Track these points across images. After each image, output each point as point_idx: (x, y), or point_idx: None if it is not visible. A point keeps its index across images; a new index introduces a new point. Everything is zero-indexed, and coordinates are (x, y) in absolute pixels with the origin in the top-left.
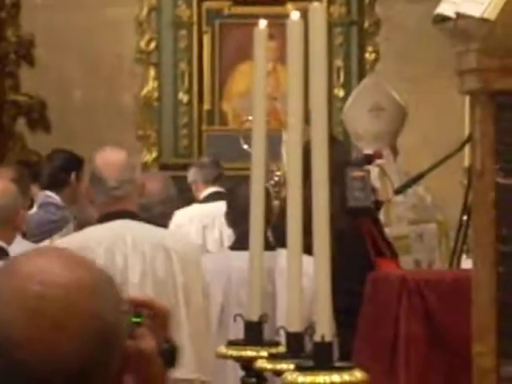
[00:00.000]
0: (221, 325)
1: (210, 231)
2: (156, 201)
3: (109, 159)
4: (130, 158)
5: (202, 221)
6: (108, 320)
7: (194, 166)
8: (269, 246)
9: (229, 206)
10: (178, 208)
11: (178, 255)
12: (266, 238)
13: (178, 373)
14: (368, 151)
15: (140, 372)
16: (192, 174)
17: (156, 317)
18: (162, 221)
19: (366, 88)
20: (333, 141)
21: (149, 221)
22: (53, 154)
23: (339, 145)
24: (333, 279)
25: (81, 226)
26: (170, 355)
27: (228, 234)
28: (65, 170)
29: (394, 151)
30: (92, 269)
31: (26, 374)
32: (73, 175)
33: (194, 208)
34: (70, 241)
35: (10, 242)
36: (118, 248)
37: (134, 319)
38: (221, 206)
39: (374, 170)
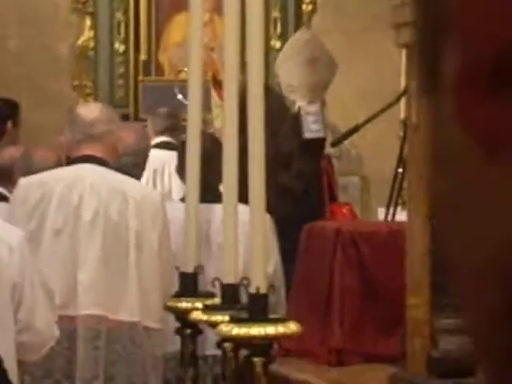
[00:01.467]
0: None
1: (159, 176)
2: (129, 151)
3: (88, 107)
4: (109, 111)
5: (152, 165)
6: None
7: (148, 115)
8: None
9: (181, 159)
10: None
11: (135, 201)
12: (219, 191)
13: (120, 315)
14: (302, 103)
15: None
16: (147, 123)
17: None
18: (134, 171)
19: (300, 41)
20: (267, 89)
21: (119, 169)
22: None
23: (274, 92)
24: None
25: (24, 174)
26: None
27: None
28: (0, 118)
29: (323, 104)
30: None
31: None
32: (9, 123)
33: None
34: (33, 176)
35: None
36: (76, 187)
37: None
38: (170, 155)
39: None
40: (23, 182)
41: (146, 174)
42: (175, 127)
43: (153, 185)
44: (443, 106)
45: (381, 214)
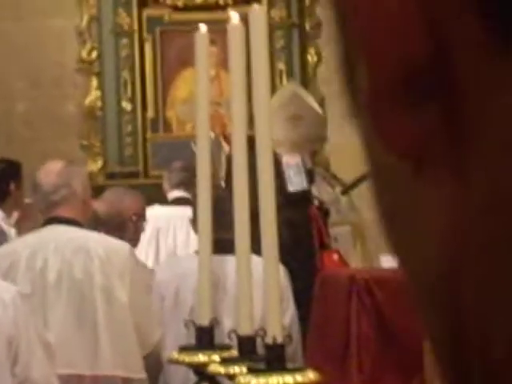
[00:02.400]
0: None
1: (163, 234)
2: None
3: (46, 168)
4: (70, 166)
5: (155, 224)
6: None
7: (165, 170)
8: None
9: (195, 211)
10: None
11: (99, 257)
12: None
13: (96, 371)
14: (286, 157)
15: None
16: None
17: None
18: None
19: (283, 97)
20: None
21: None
22: None
23: None
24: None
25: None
26: None
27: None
28: (2, 180)
29: (314, 154)
30: None
31: None
32: (12, 185)
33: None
34: (5, 246)
35: None
36: (41, 251)
37: None
38: (180, 211)
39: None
40: None
41: (149, 234)
42: (189, 181)
43: (156, 244)
44: (366, 128)
45: (385, 261)
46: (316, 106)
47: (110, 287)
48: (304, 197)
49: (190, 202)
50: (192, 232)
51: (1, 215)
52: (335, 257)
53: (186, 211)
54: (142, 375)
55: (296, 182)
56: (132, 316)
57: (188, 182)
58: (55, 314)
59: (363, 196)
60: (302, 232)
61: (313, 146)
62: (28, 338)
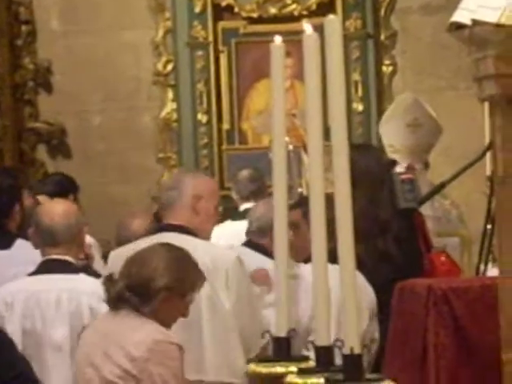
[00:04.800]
0: None
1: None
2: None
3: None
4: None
5: (227, 241)
6: None
7: (232, 182)
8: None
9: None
10: None
11: (205, 264)
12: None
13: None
14: (403, 164)
15: None
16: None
17: None
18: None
19: (404, 103)
20: (369, 147)
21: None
22: (46, 178)
23: (376, 150)
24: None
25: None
26: None
27: None
28: (63, 193)
29: (426, 165)
30: None
31: None
32: (71, 197)
33: (225, 226)
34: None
35: (76, 258)
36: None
37: None
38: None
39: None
40: None
41: None
42: (259, 191)
43: None
44: None
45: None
46: (435, 115)
47: (214, 295)
48: (412, 214)
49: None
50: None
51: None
52: (443, 257)
53: None
54: (244, 380)
55: (409, 199)
56: (237, 322)
57: (258, 192)
58: None
59: (474, 209)
60: (409, 246)
61: (426, 155)
62: None
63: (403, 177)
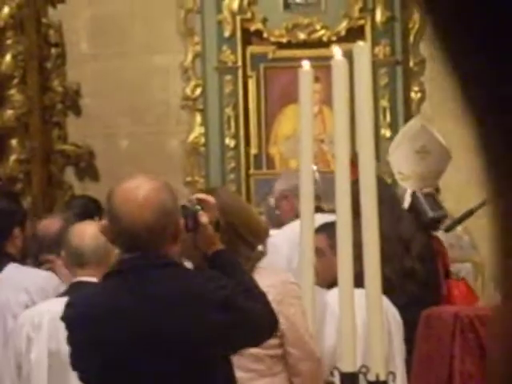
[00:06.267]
0: None
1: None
2: None
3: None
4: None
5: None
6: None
7: (262, 206)
8: None
9: None
10: None
11: None
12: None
13: None
14: (413, 189)
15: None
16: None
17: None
18: None
19: (412, 130)
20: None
21: None
22: (71, 201)
23: (382, 180)
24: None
25: None
26: (216, 225)
27: None
28: (85, 217)
29: (437, 191)
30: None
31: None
32: (96, 219)
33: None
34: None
35: None
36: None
37: (197, 207)
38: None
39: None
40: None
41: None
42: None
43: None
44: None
45: None
46: (443, 141)
47: None
48: (437, 226)
49: None
50: None
51: None
52: (461, 284)
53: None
54: None
55: (436, 209)
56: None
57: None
58: None
59: (484, 235)
60: (430, 265)
61: (436, 181)
62: None
63: (425, 191)
